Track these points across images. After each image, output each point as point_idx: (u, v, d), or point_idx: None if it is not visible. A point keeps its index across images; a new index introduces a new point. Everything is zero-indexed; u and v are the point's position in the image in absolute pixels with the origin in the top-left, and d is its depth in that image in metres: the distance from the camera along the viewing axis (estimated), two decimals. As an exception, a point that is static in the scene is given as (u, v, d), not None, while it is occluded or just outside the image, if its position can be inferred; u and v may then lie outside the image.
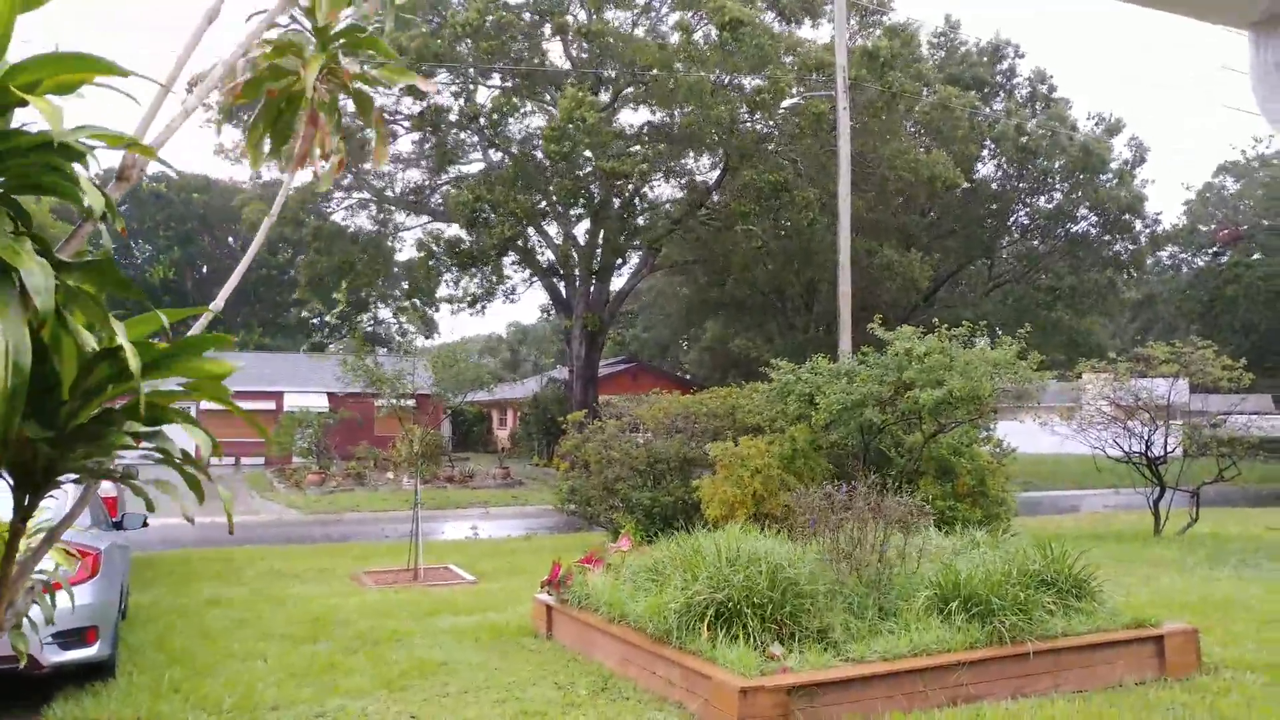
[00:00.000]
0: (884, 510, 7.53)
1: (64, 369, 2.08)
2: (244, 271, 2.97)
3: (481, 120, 30.74)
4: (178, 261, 57.62)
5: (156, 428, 2.19)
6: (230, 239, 60.08)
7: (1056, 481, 31.44)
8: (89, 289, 2.02)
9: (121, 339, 1.89)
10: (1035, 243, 39.75)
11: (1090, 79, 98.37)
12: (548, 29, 30.59)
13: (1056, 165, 35.68)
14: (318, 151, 3.18)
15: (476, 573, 12.85)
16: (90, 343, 2.01)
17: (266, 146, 3.22)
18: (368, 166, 32.97)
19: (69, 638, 6.71)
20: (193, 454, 2.34)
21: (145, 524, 9.90)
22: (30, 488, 2.15)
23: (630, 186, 30.18)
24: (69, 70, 2.01)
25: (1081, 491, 29.64)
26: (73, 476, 2.30)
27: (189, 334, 2.39)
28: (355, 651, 8.02)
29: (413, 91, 28.69)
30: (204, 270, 61.44)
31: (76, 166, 2.02)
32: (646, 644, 6.69)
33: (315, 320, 59.81)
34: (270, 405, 39.34)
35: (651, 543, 11.03)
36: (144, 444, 2.27)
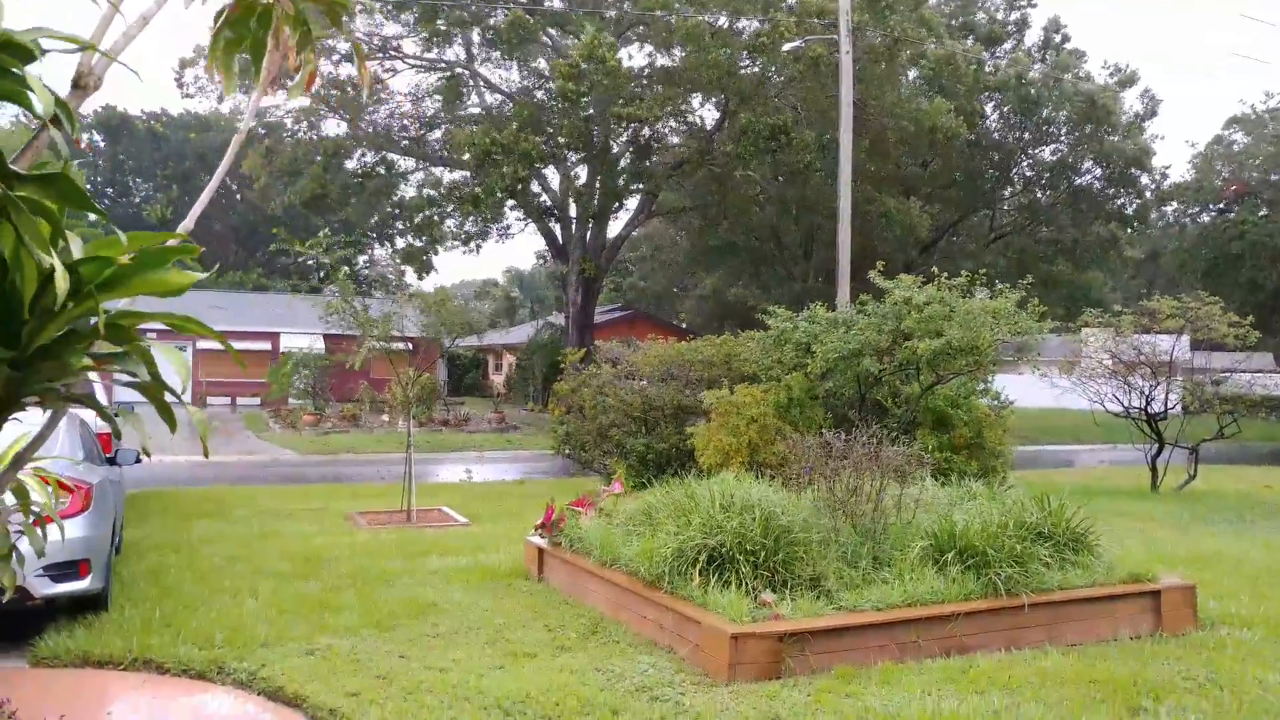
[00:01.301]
0: (881, 459, 7.46)
1: (25, 287, 1.96)
2: (214, 193, 2.82)
3: (498, 49, 30.17)
4: (175, 200, 57.06)
5: (122, 349, 2.06)
6: (228, 179, 59.35)
7: (1054, 435, 31.49)
8: (45, 203, 1.88)
9: (55, 258, 1.74)
10: (1038, 194, 39.33)
11: (1112, 33, 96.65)
12: None
13: (1061, 116, 35.17)
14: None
15: (469, 515, 12.84)
16: (46, 259, 1.88)
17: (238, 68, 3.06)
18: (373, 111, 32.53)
19: (61, 570, 6.68)
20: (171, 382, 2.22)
21: (139, 459, 9.83)
22: (-10, 411, 2.03)
23: (645, 131, 29.73)
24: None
25: (1079, 446, 29.72)
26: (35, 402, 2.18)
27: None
28: (345, 590, 7.99)
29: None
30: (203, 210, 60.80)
31: (29, 70, 1.87)
32: (638, 588, 6.64)
33: (311, 261, 59.47)
34: (266, 345, 39.18)
35: (646, 488, 10.99)
36: (110, 367, 2.14)
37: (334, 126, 32.74)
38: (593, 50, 25.28)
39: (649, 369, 15.07)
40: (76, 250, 1.82)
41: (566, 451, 16.04)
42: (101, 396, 12.33)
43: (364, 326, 12.97)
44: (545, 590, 8.01)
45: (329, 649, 6.26)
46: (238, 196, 59.50)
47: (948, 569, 6.51)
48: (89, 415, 9.87)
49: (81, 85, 2.07)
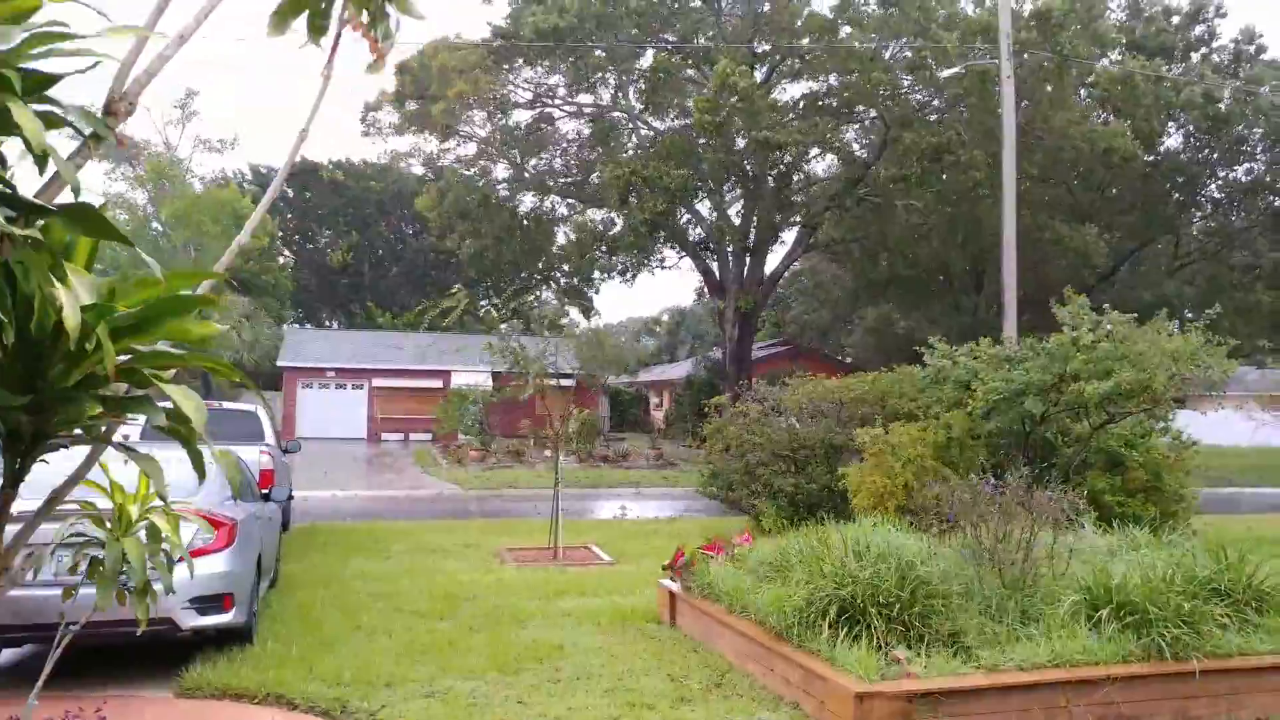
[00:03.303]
0: (1034, 505, 6.90)
1: (50, 332, 1.97)
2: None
3: (641, 86, 30.78)
4: (355, 245, 60.57)
5: (139, 394, 2.04)
6: (402, 224, 62.67)
7: (1254, 476, 28.70)
8: (62, 237, 1.89)
9: (67, 298, 1.72)
10: (1231, 217, 36.32)
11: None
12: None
13: (1257, 133, 32.42)
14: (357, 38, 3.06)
15: (615, 553, 12.77)
16: (63, 300, 1.88)
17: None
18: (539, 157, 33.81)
19: (206, 603, 6.94)
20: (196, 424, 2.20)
21: (291, 497, 10.32)
22: (18, 453, 2.05)
23: (786, 159, 29.43)
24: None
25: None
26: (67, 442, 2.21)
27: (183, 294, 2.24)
28: (477, 630, 8.02)
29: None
30: (379, 254, 64.30)
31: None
32: (765, 639, 6.35)
33: (483, 303, 61.94)
34: (438, 383, 40.86)
35: (794, 529, 10.62)
36: (140, 409, 2.14)
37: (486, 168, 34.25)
38: (725, 79, 25.16)
39: (797, 407, 14.66)
40: (84, 290, 1.80)
41: (713, 491, 15.79)
42: (270, 435, 13.04)
43: (522, 364, 13.30)
44: (675, 636, 7.81)
45: (449, 691, 6.26)
46: (405, 244, 62.59)
47: (1103, 627, 5.90)
48: (250, 455, 10.42)
49: (113, 111, 2.09)
